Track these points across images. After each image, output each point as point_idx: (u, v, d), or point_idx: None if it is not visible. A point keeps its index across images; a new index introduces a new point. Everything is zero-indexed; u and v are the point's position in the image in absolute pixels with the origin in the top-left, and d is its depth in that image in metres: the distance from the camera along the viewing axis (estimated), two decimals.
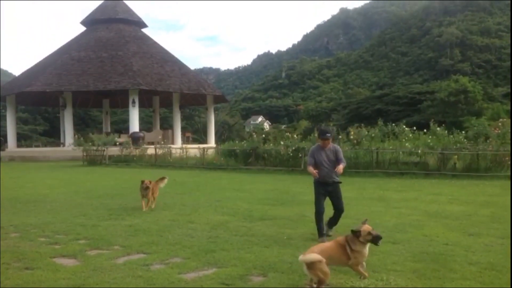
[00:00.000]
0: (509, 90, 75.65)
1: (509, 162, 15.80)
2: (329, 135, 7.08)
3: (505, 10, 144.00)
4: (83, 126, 53.14)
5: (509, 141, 16.21)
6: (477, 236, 6.89)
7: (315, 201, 7.14)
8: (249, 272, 5.12)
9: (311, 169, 6.96)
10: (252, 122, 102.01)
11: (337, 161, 7.01)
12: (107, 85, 30.54)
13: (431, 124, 18.12)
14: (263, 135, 22.55)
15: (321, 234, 6.88)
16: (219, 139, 44.33)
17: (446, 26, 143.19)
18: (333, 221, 7.25)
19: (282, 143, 19.82)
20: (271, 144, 20.89)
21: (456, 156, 16.55)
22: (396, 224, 7.77)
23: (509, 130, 16.38)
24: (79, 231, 7.31)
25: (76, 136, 28.49)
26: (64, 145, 31.66)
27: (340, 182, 7.27)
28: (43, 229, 7.47)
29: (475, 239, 6.69)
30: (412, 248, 6.12)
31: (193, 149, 24.60)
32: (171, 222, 8.04)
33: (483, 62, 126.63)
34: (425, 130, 18.58)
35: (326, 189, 7.12)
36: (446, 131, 17.62)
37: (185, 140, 35.32)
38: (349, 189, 12.84)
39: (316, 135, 19.37)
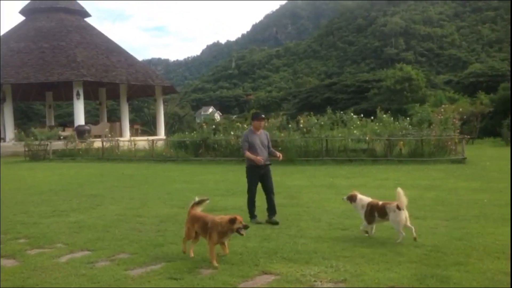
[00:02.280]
0: (451, 78, 78.56)
1: (452, 147, 16.42)
2: (263, 116, 7.60)
3: (446, 0, 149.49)
4: (25, 120, 50.86)
5: (451, 127, 16.82)
6: (422, 219, 7.07)
7: (249, 186, 7.51)
8: (198, 265, 5.01)
9: (250, 155, 7.29)
10: (202, 113, 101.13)
11: (268, 147, 7.52)
12: (49, 76, 29.26)
13: (378, 111, 18.51)
14: (213, 126, 22.34)
15: (253, 216, 7.35)
16: (169, 130, 43.62)
17: (390, 15, 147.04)
18: (271, 207, 7.38)
19: (232, 133, 19.72)
20: (221, 135, 20.74)
21: (401, 142, 17.02)
22: (344, 210, 7.84)
23: (450, 116, 16.97)
24: (19, 230, 6.96)
25: (16, 130, 27.23)
26: (4, 141, 30.18)
27: (270, 164, 7.56)
28: None
29: (420, 222, 6.85)
30: (361, 234, 6.19)
31: (142, 142, 24.06)
32: (118, 217, 7.79)
33: (425, 50, 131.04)
34: (372, 118, 18.97)
35: (259, 172, 7.42)
36: (392, 118, 18.04)
37: (134, 133, 34.52)
38: (300, 177, 12.98)
39: (267, 124, 19.41)
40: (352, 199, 6.44)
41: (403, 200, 5.78)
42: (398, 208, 5.78)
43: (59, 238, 6.35)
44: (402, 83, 61.21)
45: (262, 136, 7.48)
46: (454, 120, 16.95)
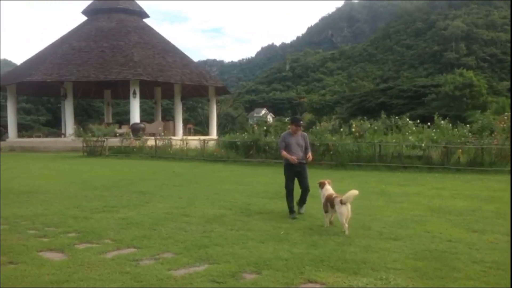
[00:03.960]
0: None
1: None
2: (302, 122, 8.32)
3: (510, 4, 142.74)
4: (85, 117, 52.92)
5: None
6: (481, 232, 6.63)
7: (286, 182, 8.11)
8: (242, 269, 4.88)
9: (286, 154, 7.98)
10: (255, 114, 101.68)
11: (306, 148, 8.17)
12: (107, 75, 30.25)
13: (435, 117, 17.79)
14: (264, 128, 22.26)
15: (291, 211, 7.83)
16: (222, 131, 44.05)
17: (451, 19, 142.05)
18: (303, 200, 8.09)
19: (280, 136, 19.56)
20: (272, 137, 20.62)
21: (460, 150, 16.25)
22: (397, 219, 7.51)
23: None
24: (70, 224, 7.10)
25: (76, 126, 28.27)
26: (65, 136, 31.46)
27: (306, 163, 8.16)
28: (33, 221, 7.26)
29: (479, 236, 6.44)
30: (414, 245, 5.86)
31: (194, 141, 24.36)
32: (165, 215, 7.81)
33: (488, 56, 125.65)
34: (429, 124, 18.26)
35: (296, 170, 8.04)
36: (451, 125, 17.28)
37: (187, 132, 35.08)
38: (351, 183, 12.60)
39: (319, 127, 19.15)
40: (321, 185, 7.24)
41: (349, 195, 6.45)
42: (342, 202, 6.42)
43: (107, 234, 6.41)
44: (462, 89, 59.06)
45: (298, 137, 8.11)
46: None
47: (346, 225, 6.42)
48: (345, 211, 6.44)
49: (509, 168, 15.21)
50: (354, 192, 6.51)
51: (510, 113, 17.20)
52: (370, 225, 7.07)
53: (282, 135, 8.46)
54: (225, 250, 5.56)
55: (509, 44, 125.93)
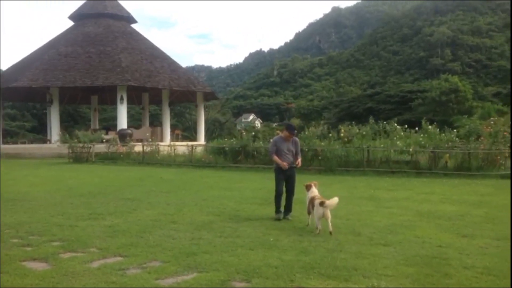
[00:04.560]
0: (500, 90, 75.93)
1: (501, 161, 15.62)
2: (296, 131, 8.46)
3: (496, 10, 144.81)
4: (72, 123, 52.45)
5: (501, 140, 16.01)
6: (471, 237, 6.62)
7: (276, 184, 8.31)
8: (231, 277, 4.78)
9: (277, 159, 8.18)
10: (243, 120, 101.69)
11: (296, 153, 8.33)
12: (94, 81, 29.98)
13: (423, 122, 17.87)
14: (253, 133, 22.19)
15: (278, 212, 8.16)
16: (210, 136, 43.89)
17: (437, 25, 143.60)
18: (288, 205, 8.23)
19: (271, 141, 19.49)
20: (260, 142, 20.56)
21: (447, 155, 16.34)
22: (387, 224, 7.48)
23: (501, 129, 16.16)
24: (54, 232, 6.94)
25: (62, 132, 27.94)
26: (50, 142, 31.08)
27: (296, 166, 8.33)
28: (17, 230, 7.09)
29: (469, 240, 6.42)
30: (404, 251, 5.82)
31: (182, 147, 24.21)
32: (153, 222, 7.68)
33: (473, 61, 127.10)
34: (416, 129, 18.34)
35: (286, 173, 8.23)
36: (438, 130, 17.37)
37: (175, 138, 34.88)
38: (340, 188, 12.60)
39: (307, 132, 19.13)
40: (307, 188, 7.51)
41: (331, 202, 6.72)
42: (321, 204, 6.71)
43: (93, 242, 6.27)
44: (448, 95, 59.56)
45: (290, 143, 8.27)
46: (505, 133, 16.12)
47: (320, 227, 6.79)
48: (320, 213, 6.72)
49: (496, 173, 15.33)
50: (336, 200, 6.78)
51: (510, 119, 17.33)
52: (360, 230, 7.02)
53: (273, 139, 8.69)
54: (214, 258, 5.46)
55: (494, 50, 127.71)
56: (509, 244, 6.18)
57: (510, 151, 15.42)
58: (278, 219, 7.95)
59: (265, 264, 5.18)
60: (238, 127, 70.01)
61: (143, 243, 6.22)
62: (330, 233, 6.63)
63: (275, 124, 78.41)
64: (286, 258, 5.45)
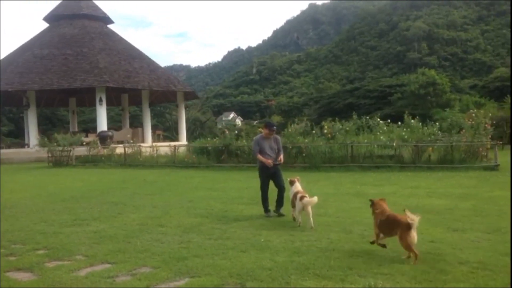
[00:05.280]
0: (476, 82, 77.10)
1: (483, 153, 15.78)
2: (275, 128, 8.59)
3: (470, 4, 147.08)
4: (50, 126, 51.56)
5: (482, 132, 16.18)
6: (462, 231, 6.61)
7: (261, 184, 8.46)
8: (225, 281, 4.66)
9: (261, 157, 8.29)
10: (224, 118, 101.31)
11: (278, 150, 8.49)
12: (72, 83, 29.45)
13: (406, 116, 17.96)
14: (236, 132, 22.04)
15: (267, 211, 8.28)
16: (191, 136, 43.55)
17: (413, 20, 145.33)
18: (280, 200, 8.35)
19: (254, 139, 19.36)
20: (243, 141, 20.43)
21: (430, 148, 16.44)
22: None
23: (482, 121, 16.33)
24: (38, 240, 6.72)
25: (40, 136, 27.36)
26: (28, 146, 30.44)
27: (279, 164, 8.45)
28: None
29: (460, 235, 6.41)
30: (397, 247, 5.70)
31: (164, 147, 23.95)
32: (139, 227, 7.51)
33: (449, 55, 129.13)
34: (399, 123, 18.43)
35: (269, 171, 8.35)
36: (420, 124, 17.47)
37: (156, 138, 34.53)
38: (326, 185, 12.57)
39: (290, 129, 19.05)
40: (291, 183, 7.85)
41: (310, 200, 7.05)
42: (300, 199, 7.13)
43: (79, 250, 6.08)
44: (426, 88, 60.16)
45: (271, 141, 8.45)
46: (486, 125, 16.29)
47: (300, 220, 7.23)
48: (300, 207, 7.12)
49: (479, 165, 15.48)
50: (315, 199, 7.10)
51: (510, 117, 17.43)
52: (351, 228, 6.95)
53: (255, 138, 8.83)
54: (205, 262, 5.33)
55: (469, 43, 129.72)
56: (500, 237, 6.19)
57: (493, 143, 15.57)
58: (269, 217, 8.13)
59: (258, 267, 5.07)
60: (219, 126, 69.73)
61: (131, 249, 6.05)
62: (311, 228, 6.91)
63: (256, 122, 78.42)
64: (279, 260, 5.35)
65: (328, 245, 5.99)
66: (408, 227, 5.08)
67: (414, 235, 5.12)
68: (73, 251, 6.02)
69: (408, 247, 5.13)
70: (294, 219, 7.54)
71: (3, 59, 34.35)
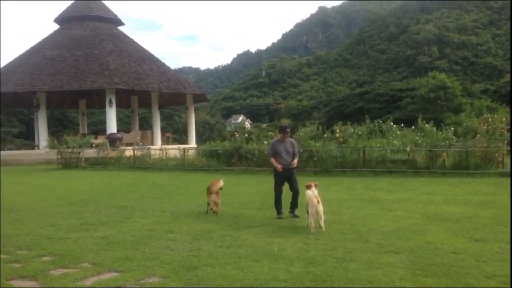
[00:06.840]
0: (487, 86, 76.32)
1: (499, 159, 15.41)
2: (288, 129, 8.75)
3: (481, 8, 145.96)
4: (60, 128, 51.57)
5: (498, 138, 15.80)
6: (484, 242, 6.30)
7: (275, 186, 8.54)
8: None
9: (274, 161, 8.43)
10: (233, 121, 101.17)
11: (293, 153, 8.51)
12: (82, 84, 29.41)
13: (419, 120, 17.61)
14: (246, 135, 21.81)
15: (279, 212, 8.34)
16: (200, 139, 43.41)
17: (423, 23, 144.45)
18: (294, 203, 8.41)
19: (265, 142, 19.14)
20: (253, 144, 20.19)
21: (445, 153, 16.09)
22: (394, 229, 7.15)
23: (498, 126, 15.95)
24: (44, 246, 6.51)
25: (50, 138, 27.32)
26: (38, 148, 30.43)
27: (294, 168, 8.54)
28: (4, 244, 6.65)
29: (483, 245, 6.11)
30: (418, 259, 5.48)
31: (173, 150, 23.77)
32: (148, 232, 7.29)
33: (460, 59, 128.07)
34: (413, 127, 18.08)
35: (284, 175, 8.43)
36: (435, 128, 17.12)
37: (165, 141, 34.41)
38: (338, 190, 12.29)
39: (301, 133, 18.80)
40: (308, 187, 7.52)
41: (311, 193, 7.12)
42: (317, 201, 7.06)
43: (85, 256, 5.87)
44: (437, 92, 59.51)
45: (287, 144, 8.51)
46: (503, 130, 15.90)
47: (313, 224, 7.05)
48: (314, 212, 7.00)
49: (495, 171, 15.11)
50: (315, 192, 7.26)
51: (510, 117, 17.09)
52: (367, 237, 6.67)
53: (271, 142, 8.96)
54: (216, 272, 5.09)
55: (480, 47, 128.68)
56: None
57: (509, 149, 15.21)
58: (280, 218, 8.21)
59: (272, 278, 4.83)
60: (228, 129, 69.59)
61: (139, 256, 5.83)
62: (321, 229, 6.99)
63: (265, 124, 78.12)
64: (294, 270, 5.09)
65: (344, 255, 5.72)
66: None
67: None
68: (80, 258, 5.81)
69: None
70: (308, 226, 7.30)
71: (13, 60, 34.44)
